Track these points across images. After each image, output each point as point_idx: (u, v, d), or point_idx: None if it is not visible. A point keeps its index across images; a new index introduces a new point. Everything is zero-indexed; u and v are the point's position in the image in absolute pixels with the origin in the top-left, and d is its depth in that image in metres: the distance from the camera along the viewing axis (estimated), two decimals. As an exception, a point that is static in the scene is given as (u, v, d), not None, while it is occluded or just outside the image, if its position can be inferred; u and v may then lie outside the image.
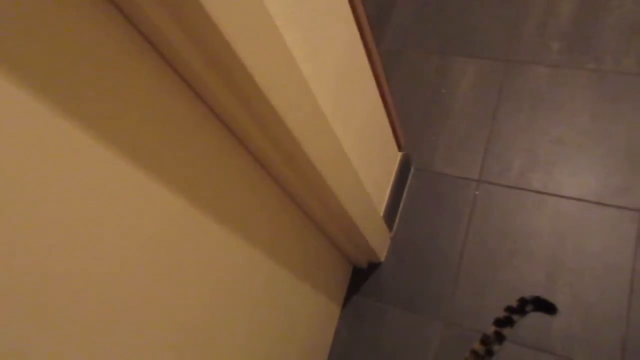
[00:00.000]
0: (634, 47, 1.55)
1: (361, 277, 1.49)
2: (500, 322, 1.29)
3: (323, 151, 0.83)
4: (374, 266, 1.50)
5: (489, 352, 1.27)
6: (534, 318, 1.31)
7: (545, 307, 1.30)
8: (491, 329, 1.29)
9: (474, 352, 1.27)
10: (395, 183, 1.46)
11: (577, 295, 1.31)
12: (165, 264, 0.68)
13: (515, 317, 1.29)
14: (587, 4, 1.67)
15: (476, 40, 1.73)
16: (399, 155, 1.47)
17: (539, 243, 1.39)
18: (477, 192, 1.49)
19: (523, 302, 1.30)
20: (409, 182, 1.56)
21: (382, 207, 1.41)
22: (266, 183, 0.92)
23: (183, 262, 0.72)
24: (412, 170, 1.57)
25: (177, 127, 0.66)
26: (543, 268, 1.36)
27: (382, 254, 1.47)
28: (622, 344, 1.24)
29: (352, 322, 1.43)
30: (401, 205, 1.54)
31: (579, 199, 1.41)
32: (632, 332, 1.25)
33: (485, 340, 1.28)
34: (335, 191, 0.92)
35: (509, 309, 1.30)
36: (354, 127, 1.04)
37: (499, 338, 1.28)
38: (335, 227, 1.20)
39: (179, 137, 0.67)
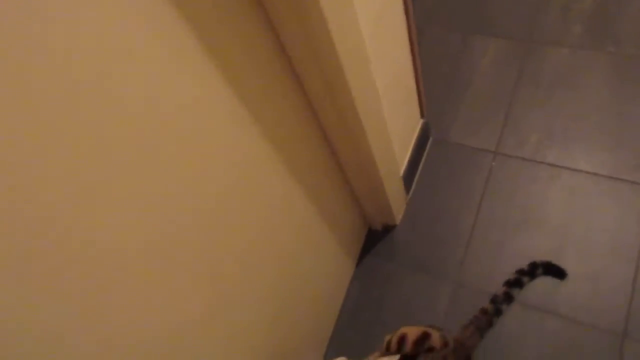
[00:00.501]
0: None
1: (376, 239, 1.54)
2: (510, 283, 1.34)
3: (360, 85, 0.88)
4: (389, 229, 1.55)
5: (498, 312, 1.31)
6: (542, 282, 1.36)
7: (555, 271, 1.34)
8: (501, 290, 1.34)
9: (483, 310, 1.32)
10: (414, 148, 1.50)
11: (585, 265, 1.36)
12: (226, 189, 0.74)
13: (525, 279, 1.34)
14: (611, -9, 1.71)
15: (499, 20, 1.78)
16: (421, 121, 1.52)
17: (551, 214, 1.44)
18: (493, 163, 1.54)
19: (534, 265, 1.35)
20: (427, 150, 1.61)
21: (401, 170, 1.46)
22: (310, 122, 0.97)
23: (243, 190, 0.78)
24: (430, 140, 1.62)
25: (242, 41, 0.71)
26: (553, 238, 1.41)
27: (397, 217, 1.52)
28: (627, 313, 1.29)
29: (365, 280, 1.48)
30: (418, 172, 1.59)
31: (592, 173, 1.45)
32: (637, 302, 1.29)
33: (494, 300, 1.33)
34: (366, 129, 0.97)
35: (519, 271, 1.35)
36: (386, 76, 1.09)
37: (508, 298, 1.32)
38: (360, 180, 1.25)
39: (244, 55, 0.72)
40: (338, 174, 1.21)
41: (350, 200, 1.35)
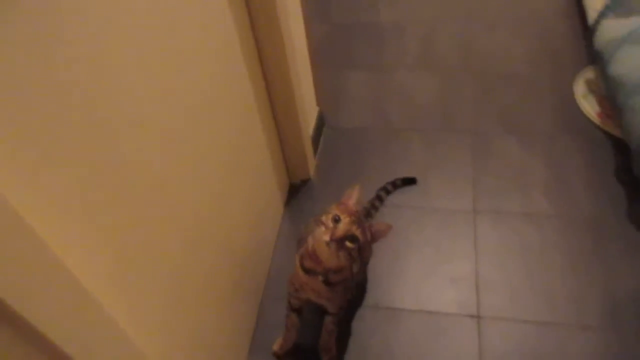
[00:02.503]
0: (470, 60, 2.64)
1: (297, 189, 2.26)
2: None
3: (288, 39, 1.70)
4: (305, 182, 2.28)
5: (373, 206, 2.04)
6: (406, 192, 2.13)
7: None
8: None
9: (370, 203, 2.04)
10: (315, 127, 2.31)
11: (436, 197, 2.16)
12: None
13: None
14: (426, 40, 2.78)
15: (359, 58, 2.77)
16: (317, 108, 2.35)
17: (416, 155, 2.26)
18: (371, 139, 2.38)
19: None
20: (324, 132, 2.43)
21: (310, 132, 2.24)
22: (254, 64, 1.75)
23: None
24: (325, 125, 2.45)
25: None
26: (417, 170, 2.22)
27: (310, 172, 2.26)
28: (473, 197, 2.07)
29: (292, 215, 2.17)
30: (320, 145, 2.38)
31: (429, 146, 2.33)
32: (478, 192, 2.08)
33: (370, 201, 2.05)
34: (289, 62, 1.76)
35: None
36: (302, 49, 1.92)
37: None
38: (286, 124, 2.00)
39: None
40: (274, 128, 1.97)
41: (279, 155, 2.09)
